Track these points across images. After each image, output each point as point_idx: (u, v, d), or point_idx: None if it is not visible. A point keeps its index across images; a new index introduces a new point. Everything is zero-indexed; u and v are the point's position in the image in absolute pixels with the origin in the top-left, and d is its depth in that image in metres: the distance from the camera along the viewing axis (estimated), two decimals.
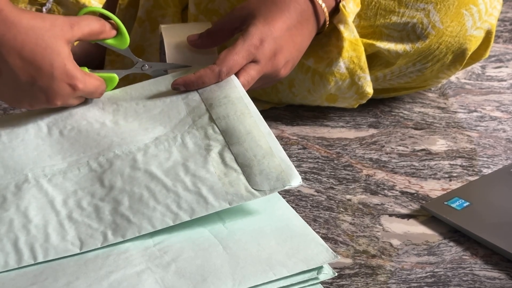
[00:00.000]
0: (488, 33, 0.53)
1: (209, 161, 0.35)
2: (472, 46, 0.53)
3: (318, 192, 0.43)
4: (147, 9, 0.59)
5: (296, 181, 0.32)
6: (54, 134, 0.41)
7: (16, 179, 0.36)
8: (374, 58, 0.54)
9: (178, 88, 0.44)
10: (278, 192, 0.37)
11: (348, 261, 0.34)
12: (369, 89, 0.51)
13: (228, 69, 0.43)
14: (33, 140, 0.40)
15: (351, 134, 0.51)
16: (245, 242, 0.33)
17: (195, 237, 0.33)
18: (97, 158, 0.37)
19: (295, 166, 0.35)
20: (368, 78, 0.51)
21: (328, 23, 0.48)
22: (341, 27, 0.50)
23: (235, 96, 0.40)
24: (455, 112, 0.56)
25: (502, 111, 0.55)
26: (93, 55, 0.62)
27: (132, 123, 0.41)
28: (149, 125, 0.40)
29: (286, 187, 0.33)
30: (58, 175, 0.36)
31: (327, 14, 0.48)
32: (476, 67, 0.65)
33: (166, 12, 0.59)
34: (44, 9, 0.59)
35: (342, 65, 0.50)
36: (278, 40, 0.44)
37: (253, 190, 0.32)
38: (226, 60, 0.43)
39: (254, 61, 0.44)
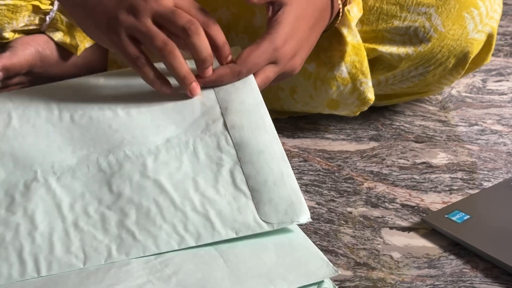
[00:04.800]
0: (490, 36, 0.52)
1: (220, 180, 0.35)
2: (474, 50, 0.52)
3: (319, 205, 0.43)
4: None
5: (304, 217, 0.32)
6: (65, 119, 0.41)
7: (25, 176, 0.36)
8: (377, 62, 0.53)
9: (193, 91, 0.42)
10: None
11: (349, 273, 0.34)
12: (371, 95, 0.51)
13: (248, 70, 0.42)
14: (43, 125, 0.40)
15: (352, 146, 0.51)
16: (245, 255, 0.33)
17: (196, 250, 0.33)
18: (107, 156, 0.37)
19: (296, 178, 0.35)
20: (370, 83, 0.50)
21: (336, 23, 0.48)
22: (344, 31, 0.49)
23: (252, 103, 0.39)
24: (456, 125, 0.56)
25: (503, 125, 0.55)
26: (95, 65, 0.62)
27: (145, 115, 0.40)
28: (162, 122, 0.39)
29: (294, 223, 0.32)
30: (67, 174, 0.36)
31: (341, 14, 0.48)
32: (477, 80, 0.65)
33: None
34: (47, 18, 0.59)
35: (344, 70, 0.50)
36: (299, 41, 0.43)
37: (261, 221, 0.33)
38: (247, 61, 0.41)
39: (273, 62, 0.43)
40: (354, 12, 0.50)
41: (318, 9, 0.46)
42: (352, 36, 0.50)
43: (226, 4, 0.56)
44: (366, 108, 0.53)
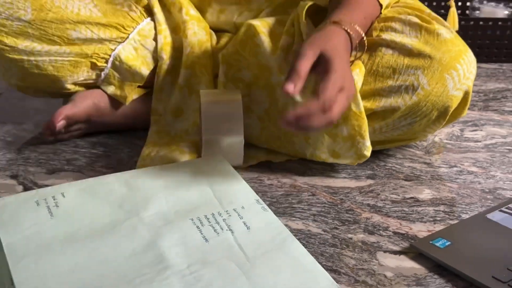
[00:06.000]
0: (466, 93, 0.54)
1: None
2: (453, 104, 0.53)
3: (324, 231, 0.45)
4: (186, 78, 0.63)
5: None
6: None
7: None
8: (373, 113, 0.55)
9: (291, 123, 0.42)
10: (291, 231, 0.39)
11: None
12: (367, 153, 0.52)
13: (329, 99, 0.42)
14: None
15: (352, 183, 0.54)
16: (264, 274, 0.34)
17: (224, 269, 0.35)
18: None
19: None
20: (367, 143, 0.52)
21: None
22: (351, 104, 0.50)
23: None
24: (439, 167, 0.59)
25: (478, 167, 0.58)
26: (140, 113, 0.66)
27: None
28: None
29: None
30: None
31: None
32: (456, 130, 0.69)
33: (201, 80, 0.62)
34: (102, 74, 0.64)
35: (345, 130, 0.52)
36: (349, 71, 0.47)
37: None
38: (325, 92, 0.42)
39: (342, 89, 0.43)
40: (358, 84, 0.52)
41: (348, 48, 0.48)
42: (355, 105, 0.51)
43: (248, 66, 0.59)
44: (362, 161, 0.54)
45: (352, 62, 0.51)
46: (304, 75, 0.41)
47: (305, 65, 0.41)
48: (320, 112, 0.40)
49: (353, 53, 0.50)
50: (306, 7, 0.53)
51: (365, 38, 0.49)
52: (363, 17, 0.51)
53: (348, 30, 0.46)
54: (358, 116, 0.51)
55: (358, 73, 0.51)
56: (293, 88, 0.41)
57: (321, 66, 0.43)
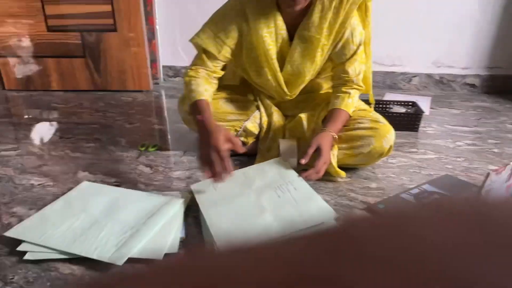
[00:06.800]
0: (390, 147, 1.05)
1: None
2: (385, 153, 1.04)
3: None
4: (272, 136, 1.19)
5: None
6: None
7: None
8: (351, 155, 1.03)
9: (309, 177, 0.94)
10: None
11: None
12: (341, 176, 1.05)
13: (322, 169, 0.92)
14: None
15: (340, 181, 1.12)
16: (286, 207, 0.84)
17: (287, 204, 0.87)
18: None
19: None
20: (341, 175, 1.05)
21: None
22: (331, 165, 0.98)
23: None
24: (380, 175, 1.22)
25: (394, 174, 1.22)
26: (254, 149, 1.21)
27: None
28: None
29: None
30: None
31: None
32: (384, 159, 1.26)
33: (278, 137, 1.18)
34: (238, 133, 1.19)
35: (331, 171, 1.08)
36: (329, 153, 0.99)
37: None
38: (320, 166, 0.91)
39: (325, 162, 0.94)
40: (333, 160, 0.98)
41: (331, 142, 0.98)
42: (332, 166, 0.99)
43: (296, 134, 1.15)
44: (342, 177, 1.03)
45: (333, 145, 1.00)
46: (309, 155, 0.90)
47: (310, 151, 0.91)
48: (315, 173, 0.91)
49: (333, 142, 1.00)
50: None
51: (336, 136, 0.99)
52: (341, 125, 1.04)
53: (333, 134, 0.98)
54: (334, 168, 1.01)
55: (334, 153, 0.99)
56: (304, 161, 0.89)
57: (318, 151, 0.91)
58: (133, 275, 0.11)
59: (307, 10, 1.00)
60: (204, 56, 1.04)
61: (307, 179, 0.93)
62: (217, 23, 1.03)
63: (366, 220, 0.12)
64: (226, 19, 1.02)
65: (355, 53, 1.03)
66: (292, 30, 1.02)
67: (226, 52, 1.04)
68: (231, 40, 1.02)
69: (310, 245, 0.11)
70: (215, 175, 0.82)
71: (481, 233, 0.10)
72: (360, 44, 1.03)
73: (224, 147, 0.81)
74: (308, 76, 1.08)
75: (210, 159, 0.81)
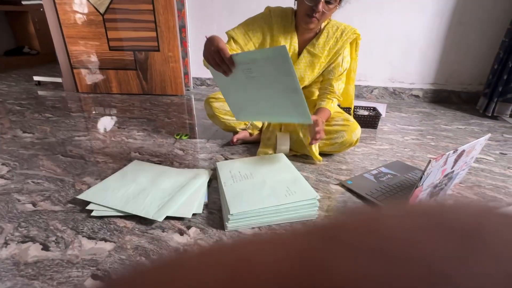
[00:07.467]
0: (357, 140, 0.99)
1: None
2: (354, 143, 0.98)
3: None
4: (271, 129, 1.15)
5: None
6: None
7: None
8: (329, 144, 0.97)
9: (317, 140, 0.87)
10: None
11: None
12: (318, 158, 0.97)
13: (319, 131, 0.84)
14: None
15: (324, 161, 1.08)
16: (279, 185, 0.76)
17: (258, 191, 0.74)
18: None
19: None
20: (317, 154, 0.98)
21: None
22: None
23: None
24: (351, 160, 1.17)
25: (359, 159, 1.16)
26: (258, 138, 1.16)
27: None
28: None
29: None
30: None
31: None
32: (351, 148, 1.24)
33: (276, 130, 1.14)
34: (246, 126, 1.16)
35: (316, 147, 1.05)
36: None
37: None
38: (317, 130, 0.85)
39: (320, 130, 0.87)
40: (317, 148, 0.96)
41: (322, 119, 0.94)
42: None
43: (289, 129, 1.12)
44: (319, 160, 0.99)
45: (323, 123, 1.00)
46: (321, 127, 0.89)
47: (318, 123, 0.91)
48: (317, 138, 0.86)
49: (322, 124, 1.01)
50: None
51: (324, 122, 0.94)
52: (325, 118, 1.02)
53: (322, 120, 1.00)
54: (315, 154, 0.97)
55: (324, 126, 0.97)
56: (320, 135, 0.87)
57: (314, 125, 0.88)
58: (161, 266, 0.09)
59: (316, 34, 1.01)
60: (232, 42, 0.97)
61: (315, 142, 0.91)
62: (248, 25, 0.99)
63: (358, 214, 0.10)
64: (256, 23, 0.99)
65: (341, 74, 1.04)
66: (301, 47, 1.02)
67: (250, 47, 1.00)
68: (256, 39, 0.99)
69: (310, 236, 0.09)
70: (219, 70, 0.74)
71: (437, 224, 0.09)
72: (345, 70, 1.05)
73: (225, 47, 0.73)
74: (307, 81, 1.08)
75: (213, 57, 0.72)
